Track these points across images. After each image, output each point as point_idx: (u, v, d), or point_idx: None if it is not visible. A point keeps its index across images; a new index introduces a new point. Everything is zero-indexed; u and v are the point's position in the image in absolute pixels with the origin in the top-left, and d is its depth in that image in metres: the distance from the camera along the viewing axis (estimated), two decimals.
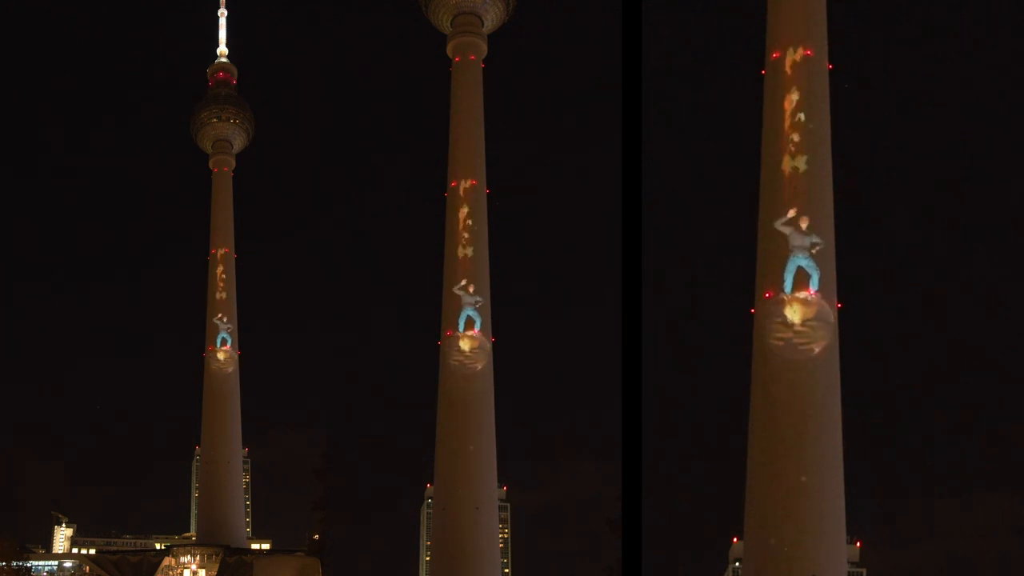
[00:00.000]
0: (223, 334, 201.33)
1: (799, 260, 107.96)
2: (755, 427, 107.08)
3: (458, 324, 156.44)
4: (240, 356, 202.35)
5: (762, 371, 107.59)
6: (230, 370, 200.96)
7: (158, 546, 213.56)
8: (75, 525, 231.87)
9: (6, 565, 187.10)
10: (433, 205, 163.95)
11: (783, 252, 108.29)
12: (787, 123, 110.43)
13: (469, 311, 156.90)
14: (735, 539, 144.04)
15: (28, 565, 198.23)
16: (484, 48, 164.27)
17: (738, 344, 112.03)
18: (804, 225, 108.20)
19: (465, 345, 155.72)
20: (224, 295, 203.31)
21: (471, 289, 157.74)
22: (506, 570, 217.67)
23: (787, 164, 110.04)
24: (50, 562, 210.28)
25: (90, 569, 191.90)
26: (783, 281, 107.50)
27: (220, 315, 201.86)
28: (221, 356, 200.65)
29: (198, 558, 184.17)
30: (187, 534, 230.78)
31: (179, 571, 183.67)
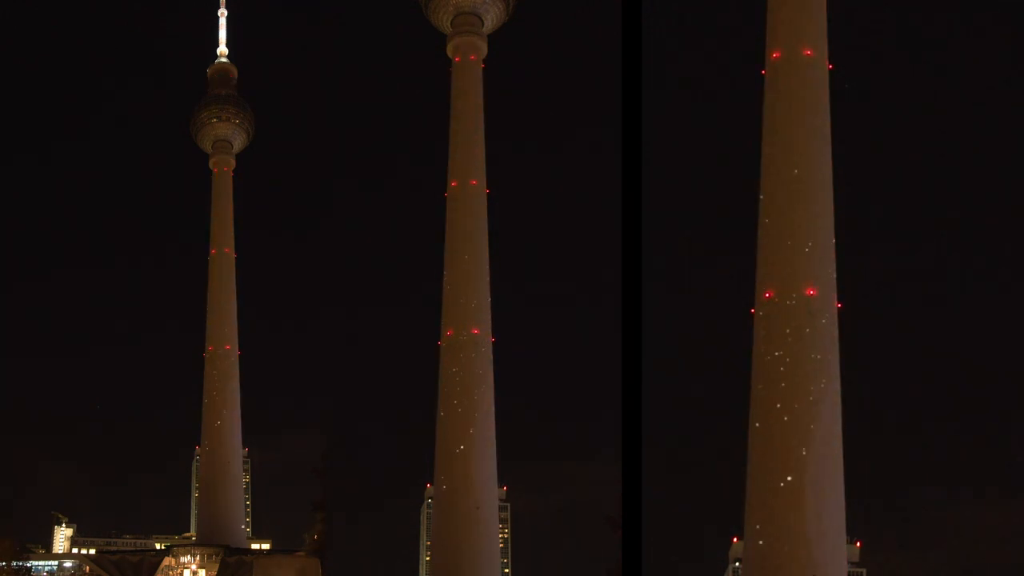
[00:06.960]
0: (224, 334, 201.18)
1: None
2: (755, 427, 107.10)
3: (458, 324, 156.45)
4: (240, 356, 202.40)
5: (762, 371, 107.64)
6: (230, 370, 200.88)
7: (158, 546, 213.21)
8: (75, 525, 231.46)
9: (6, 565, 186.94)
10: (433, 205, 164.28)
11: (783, 251, 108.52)
12: (787, 122, 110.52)
13: (470, 311, 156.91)
14: (735, 539, 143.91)
15: (28, 565, 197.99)
16: (484, 48, 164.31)
17: (738, 344, 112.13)
18: None
19: (465, 345, 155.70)
20: (224, 295, 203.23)
21: (471, 288, 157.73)
22: (506, 570, 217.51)
23: (787, 163, 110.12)
24: (50, 562, 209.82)
25: (90, 569, 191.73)
26: None
27: (220, 315, 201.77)
28: (221, 356, 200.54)
29: (198, 558, 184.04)
30: (187, 534, 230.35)
31: (179, 571, 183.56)
